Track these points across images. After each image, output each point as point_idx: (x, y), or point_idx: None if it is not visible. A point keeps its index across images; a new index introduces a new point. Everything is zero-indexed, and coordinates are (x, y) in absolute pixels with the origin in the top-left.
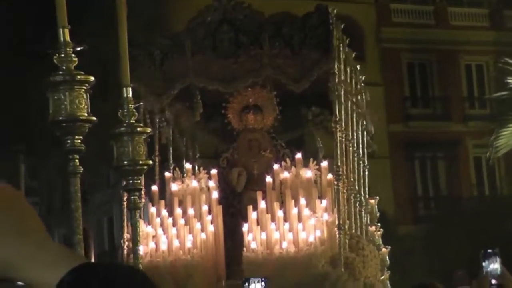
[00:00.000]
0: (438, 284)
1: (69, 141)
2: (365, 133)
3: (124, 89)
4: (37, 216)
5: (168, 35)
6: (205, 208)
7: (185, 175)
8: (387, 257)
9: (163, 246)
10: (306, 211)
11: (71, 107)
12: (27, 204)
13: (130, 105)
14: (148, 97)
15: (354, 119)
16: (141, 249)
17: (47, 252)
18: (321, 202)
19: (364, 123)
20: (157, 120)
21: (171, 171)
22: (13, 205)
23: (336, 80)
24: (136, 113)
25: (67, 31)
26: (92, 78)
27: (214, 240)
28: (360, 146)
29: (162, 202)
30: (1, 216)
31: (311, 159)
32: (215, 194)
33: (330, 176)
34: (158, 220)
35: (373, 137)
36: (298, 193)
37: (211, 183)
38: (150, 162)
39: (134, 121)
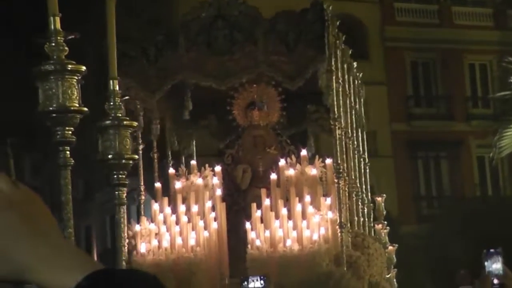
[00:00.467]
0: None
1: (59, 132)
2: (364, 130)
3: (111, 81)
4: (53, 218)
5: (162, 31)
6: (208, 205)
7: (189, 172)
8: (393, 255)
9: (166, 244)
10: (310, 209)
11: (63, 98)
12: (44, 206)
13: (116, 98)
14: (141, 93)
15: (354, 117)
16: (144, 247)
17: (63, 255)
18: (325, 200)
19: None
20: (154, 116)
21: (170, 167)
22: (30, 207)
23: (334, 77)
24: (123, 107)
25: (57, 19)
26: (83, 68)
27: (217, 238)
28: (360, 143)
29: (166, 199)
30: (18, 217)
31: (317, 156)
32: (219, 191)
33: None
34: (161, 217)
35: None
36: (303, 190)
37: (215, 180)
38: (136, 156)
39: (120, 115)
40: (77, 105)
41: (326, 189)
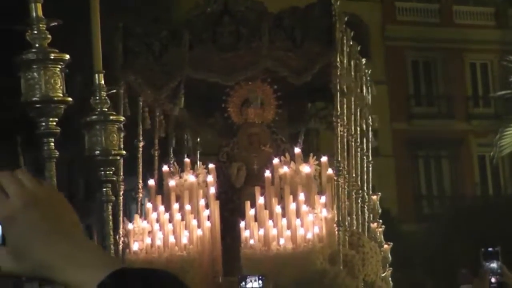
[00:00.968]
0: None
1: (43, 124)
2: (370, 128)
3: (96, 75)
4: (76, 217)
5: (167, 27)
6: (202, 202)
7: (183, 170)
8: (389, 254)
9: (159, 242)
10: (304, 207)
11: (46, 87)
12: (68, 204)
13: (102, 92)
14: (146, 89)
15: (358, 114)
16: (136, 245)
17: (85, 253)
18: (320, 198)
19: (370, 118)
20: (157, 113)
21: (167, 165)
22: (53, 205)
23: (339, 73)
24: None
25: (39, 5)
26: (67, 57)
27: (211, 236)
28: (364, 141)
29: (159, 197)
30: (42, 215)
31: (311, 154)
32: (212, 189)
33: (330, 171)
34: (154, 215)
35: (376, 133)
36: (297, 188)
37: (209, 178)
38: (124, 152)
39: (106, 109)
40: (61, 95)
41: (321, 187)
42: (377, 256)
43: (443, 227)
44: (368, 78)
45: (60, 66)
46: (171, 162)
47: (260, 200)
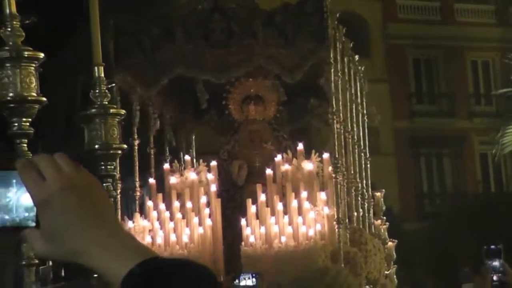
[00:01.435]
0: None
1: (16, 124)
2: (365, 124)
3: (96, 68)
4: (111, 205)
5: (158, 24)
6: (203, 200)
7: (184, 167)
8: (393, 251)
9: (160, 240)
10: (306, 204)
11: (21, 86)
12: (104, 191)
13: (102, 85)
14: (137, 87)
15: (354, 111)
16: None
17: (118, 242)
18: (321, 195)
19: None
20: (151, 111)
21: (168, 163)
22: (90, 191)
23: (332, 70)
24: (109, 94)
25: (13, 2)
26: (42, 55)
27: (212, 234)
28: (361, 138)
29: (160, 195)
30: (78, 200)
31: (313, 151)
32: (213, 187)
33: (331, 168)
34: (155, 213)
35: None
36: (299, 185)
37: (210, 176)
38: (125, 146)
39: (106, 102)
40: (35, 94)
41: (324, 184)
42: (381, 254)
43: (444, 225)
44: (362, 74)
45: (34, 65)
46: (167, 159)
47: (262, 197)
